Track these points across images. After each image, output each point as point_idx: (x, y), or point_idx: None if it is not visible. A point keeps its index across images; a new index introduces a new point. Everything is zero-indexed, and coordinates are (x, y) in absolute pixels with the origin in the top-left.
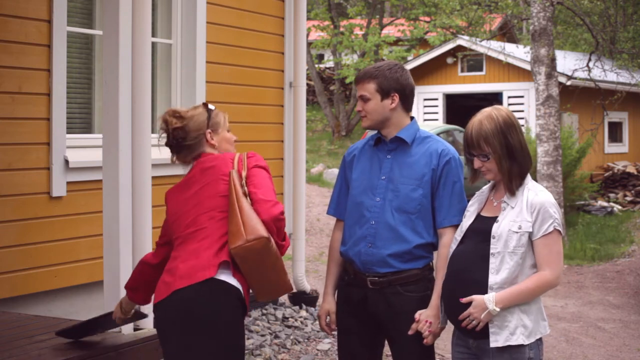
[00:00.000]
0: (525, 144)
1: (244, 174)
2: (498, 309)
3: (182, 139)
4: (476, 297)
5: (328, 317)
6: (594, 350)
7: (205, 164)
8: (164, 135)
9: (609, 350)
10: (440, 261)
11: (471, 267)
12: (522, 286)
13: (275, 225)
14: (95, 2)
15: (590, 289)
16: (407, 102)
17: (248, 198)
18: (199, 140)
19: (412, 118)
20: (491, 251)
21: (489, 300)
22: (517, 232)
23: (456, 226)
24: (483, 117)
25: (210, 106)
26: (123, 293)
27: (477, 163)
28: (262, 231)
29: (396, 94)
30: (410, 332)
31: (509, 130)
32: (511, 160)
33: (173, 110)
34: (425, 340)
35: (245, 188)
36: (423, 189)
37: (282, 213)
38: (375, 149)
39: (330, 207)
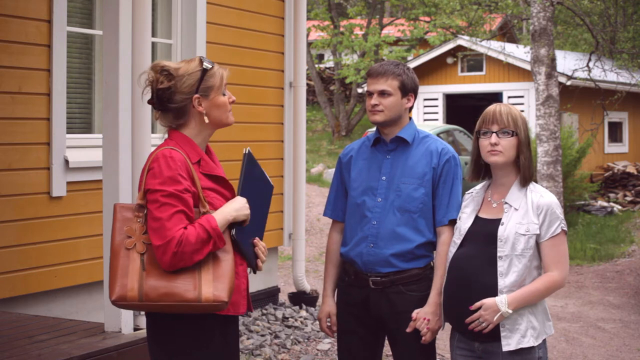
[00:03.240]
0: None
1: (139, 200)
2: (511, 311)
3: (167, 100)
4: (487, 300)
5: (329, 319)
6: (594, 350)
7: (149, 155)
8: (149, 90)
9: (609, 350)
10: (439, 259)
11: (478, 272)
12: (532, 287)
13: (176, 266)
14: (95, 2)
15: (590, 289)
16: (413, 104)
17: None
18: (185, 105)
19: (410, 118)
20: (499, 254)
21: (502, 302)
22: (524, 235)
23: (454, 222)
24: (506, 104)
25: (206, 64)
26: None
27: (494, 138)
28: (116, 292)
29: (412, 95)
30: (408, 330)
31: (526, 129)
32: (530, 153)
33: (161, 65)
34: (423, 339)
35: (135, 230)
36: (425, 188)
37: (174, 254)
38: (373, 150)
39: (327, 208)
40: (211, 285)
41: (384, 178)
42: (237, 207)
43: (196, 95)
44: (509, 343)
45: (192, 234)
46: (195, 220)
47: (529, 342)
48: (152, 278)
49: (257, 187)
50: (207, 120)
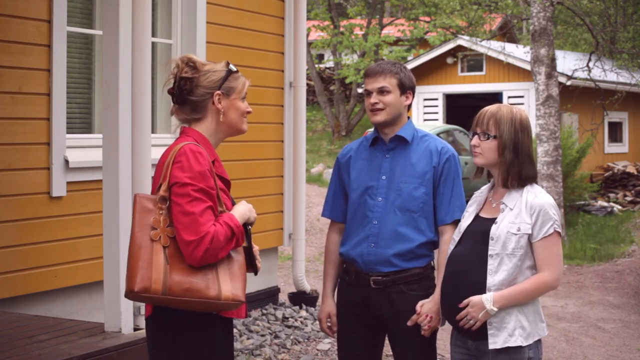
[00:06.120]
0: (532, 154)
1: (162, 192)
2: (496, 309)
3: (188, 91)
4: (474, 298)
5: (329, 319)
6: (594, 350)
7: (167, 149)
8: (171, 80)
9: (609, 350)
10: (442, 257)
11: (469, 269)
12: (521, 287)
13: (205, 262)
14: (95, 2)
15: (590, 289)
16: (412, 103)
17: (161, 237)
18: (204, 100)
19: (408, 117)
20: (489, 253)
21: (487, 299)
22: (516, 234)
23: (457, 222)
24: (502, 105)
25: (233, 67)
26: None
27: (475, 140)
28: (138, 283)
29: (411, 93)
30: (409, 323)
31: (522, 129)
32: (515, 155)
33: (189, 57)
34: (422, 332)
35: (160, 222)
36: (425, 187)
37: (207, 250)
38: (372, 149)
39: (325, 209)
40: (229, 284)
41: (384, 177)
42: (250, 208)
43: (218, 92)
44: (496, 341)
45: (220, 231)
46: (217, 218)
47: (517, 341)
48: (176, 273)
49: None
50: (222, 119)
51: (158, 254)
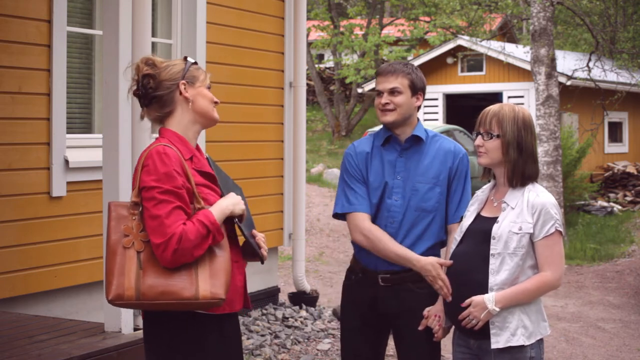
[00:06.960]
0: (536, 153)
1: (133, 197)
2: (498, 309)
3: (152, 88)
4: (476, 297)
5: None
6: (594, 350)
7: (141, 154)
8: (134, 84)
9: (609, 350)
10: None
11: (472, 269)
12: (522, 287)
13: (178, 263)
14: (95, 2)
15: (590, 289)
16: (422, 104)
17: (134, 243)
18: (170, 92)
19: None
20: (491, 252)
21: (489, 299)
22: (517, 234)
23: None
24: (505, 104)
25: (190, 59)
26: None
27: (478, 140)
28: (112, 291)
29: (421, 94)
30: (420, 328)
31: (525, 128)
32: (519, 153)
33: (147, 57)
34: (436, 336)
35: (132, 228)
36: (440, 187)
37: (175, 251)
38: (383, 150)
39: (358, 204)
40: (208, 282)
41: (399, 178)
42: (234, 202)
43: (182, 81)
44: (498, 341)
45: (191, 230)
46: (192, 216)
47: (519, 340)
48: (149, 276)
49: (232, 186)
50: (191, 107)
51: (131, 260)
